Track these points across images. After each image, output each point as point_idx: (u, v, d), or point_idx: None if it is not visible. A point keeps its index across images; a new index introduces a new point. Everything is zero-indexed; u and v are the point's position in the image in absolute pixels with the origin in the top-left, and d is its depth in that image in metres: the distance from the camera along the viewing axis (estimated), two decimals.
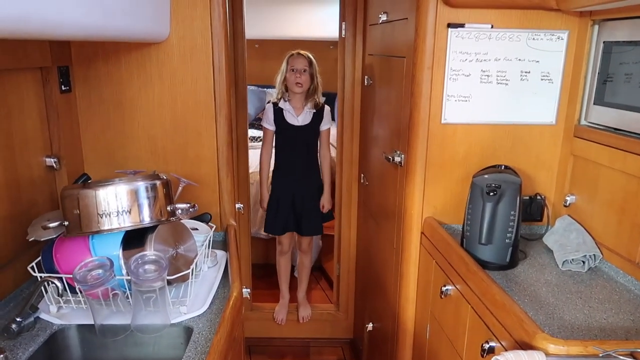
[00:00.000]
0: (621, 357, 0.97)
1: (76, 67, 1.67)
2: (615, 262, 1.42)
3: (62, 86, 1.59)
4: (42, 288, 1.24)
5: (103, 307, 1.22)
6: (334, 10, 2.81)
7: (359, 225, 2.81)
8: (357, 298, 2.93)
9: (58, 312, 1.29)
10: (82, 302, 1.28)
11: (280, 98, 2.70)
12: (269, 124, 2.72)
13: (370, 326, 2.43)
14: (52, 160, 1.55)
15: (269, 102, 2.77)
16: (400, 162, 1.83)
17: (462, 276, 1.43)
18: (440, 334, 1.60)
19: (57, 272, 1.26)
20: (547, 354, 0.99)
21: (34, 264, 1.27)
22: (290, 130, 2.69)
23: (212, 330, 1.22)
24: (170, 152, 1.76)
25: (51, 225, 1.24)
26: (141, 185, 1.27)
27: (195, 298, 1.35)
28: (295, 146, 2.76)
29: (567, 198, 1.64)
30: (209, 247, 1.53)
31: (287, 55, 2.68)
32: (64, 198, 1.25)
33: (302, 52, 2.68)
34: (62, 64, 1.60)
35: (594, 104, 1.55)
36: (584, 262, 1.45)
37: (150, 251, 1.24)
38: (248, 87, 2.79)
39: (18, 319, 1.17)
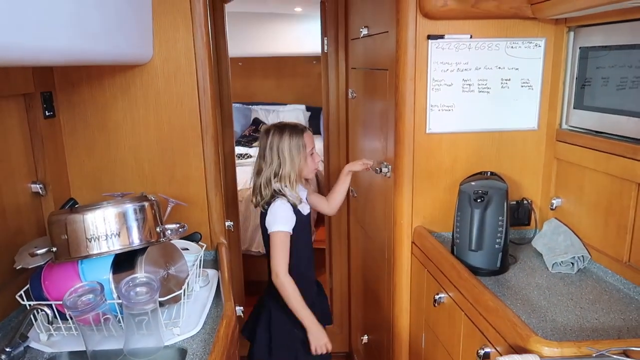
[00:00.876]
0: (614, 357, 0.98)
1: (60, 92, 1.67)
2: (603, 262, 1.44)
3: (46, 112, 1.58)
4: (32, 316, 1.22)
5: (95, 333, 1.20)
6: (315, 26, 2.85)
7: (350, 237, 2.81)
8: (351, 311, 2.92)
9: (48, 340, 1.26)
10: (73, 328, 1.26)
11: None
12: (289, 226, 1.81)
13: (365, 338, 2.42)
14: (37, 186, 1.54)
15: (278, 199, 1.79)
16: (387, 174, 1.84)
17: (454, 283, 1.44)
18: (435, 342, 1.60)
19: (47, 299, 1.24)
20: (541, 357, 1.00)
21: (22, 292, 1.25)
22: (305, 221, 1.92)
23: (207, 350, 1.21)
24: (158, 174, 1.75)
25: (39, 252, 1.23)
26: (129, 207, 1.26)
27: (188, 319, 1.34)
28: (309, 237, 2.01)
29: (553, 201, 1.66)
30: (200, 267, 1.52)
31: (296, 134, 1.83)
32: (51, 224, 1.24)
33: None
34: (45, 89, 1.59)
35: (574, 108, 1.58)
36: (573, 264, 1.47)
37: (140, 273, 1.23)
38: (233, 104, 2.80)
39: (7, 349, 1.15)
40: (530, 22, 1.62)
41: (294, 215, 1.81)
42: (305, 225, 1.88)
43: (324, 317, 2.04)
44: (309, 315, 1.79)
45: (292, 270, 1.84)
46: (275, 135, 1.82)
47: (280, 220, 1.78)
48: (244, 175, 2.95)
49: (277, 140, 1.81)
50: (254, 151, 3.91)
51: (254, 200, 1.85)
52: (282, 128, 1.83)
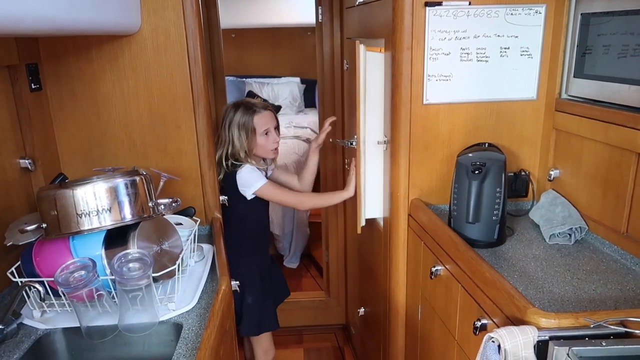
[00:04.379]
0: (612, 327, 0.98)
1: (46, 64, 1.62)
2: (601, 233, 1.43)
3: (32, 84, 1.54)
4: (24, 293, 1.20)
5: (88, 309, 1.19)
6: None
7: (345, 210, 2.80)
8: (347, 284, 2.94)
9: (42, 317, 1.26)
10: (67, 305, 1.25)
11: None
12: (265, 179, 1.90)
13: (362, 311, 2.44)
14: (26, 161, 1.51)
15: (245, 165, 1.87)
16: (384, 145, 1.81)
17: (451, 256, 1.43)
18: (432, 314, 1.60)
19: (38, 276, 1.23)
20: (539, 328, 0.99)
21: (13, 269, 1.24)
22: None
23: (202, 325, 1.20)
24: (150, 147, 1.72)
25: (29, 228, 1.21)
26: (120, 182, 1.23)
27: (183, 294, 1.33)
28: (265, 213, 2.05)
29: (551, 172, 1.64)
30: (194, 242, 1.51)
31: (247, 114, 1.86)
32: (40, 199, 1.21)
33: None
34: (31, 61, 1.54)
35: (574, 76, 1.55)
36: (570, 235, 1.46)
37: (133, 249, 1.21)
38: (227, 77, 2.75)
39: (0, 326, 1.14)
40: None
41: (263, 174, 1.90)
42: (261, 200, 1.93)
43: (280, 291, 2.14)
44: (339, 194, 2.00)
45: (245, 240, 1.95)
46: (229, 113, 1.88)
47: (254, 178, 1.85)
48: None
49: (230, 118, 1.87)
50: None
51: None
52: (238, 106, 1.88)
